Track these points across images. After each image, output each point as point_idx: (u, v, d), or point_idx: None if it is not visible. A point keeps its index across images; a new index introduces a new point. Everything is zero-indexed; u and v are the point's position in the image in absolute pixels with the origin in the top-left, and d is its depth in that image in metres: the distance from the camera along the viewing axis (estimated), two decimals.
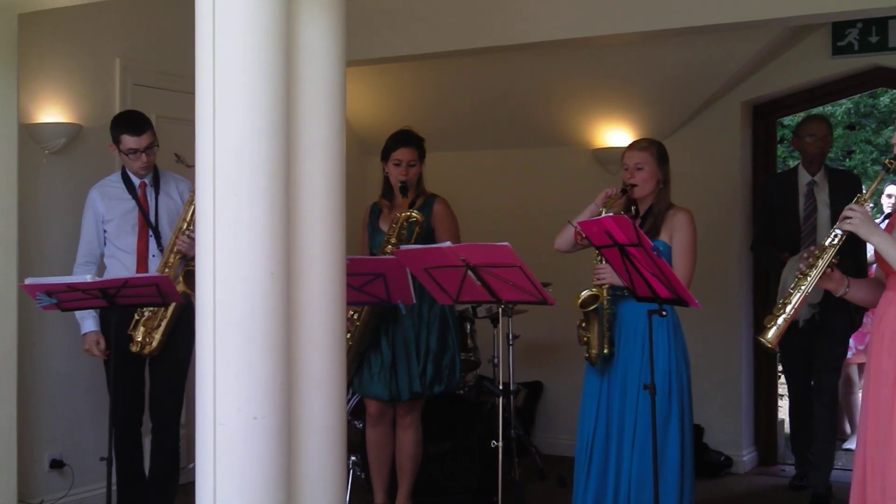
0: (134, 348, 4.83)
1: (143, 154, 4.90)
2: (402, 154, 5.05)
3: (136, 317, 4.83)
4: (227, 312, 2.97)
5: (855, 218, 3.37)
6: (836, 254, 3.46)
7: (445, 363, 5.09)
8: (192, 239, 4.58)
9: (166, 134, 5.05)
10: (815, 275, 3.45)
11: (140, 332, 4.83)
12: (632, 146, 4.65)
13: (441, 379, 5.08)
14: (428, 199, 5.09)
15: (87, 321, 4.95)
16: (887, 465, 3.30)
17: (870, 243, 3.41)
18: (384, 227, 5.07)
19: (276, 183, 3.01)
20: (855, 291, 3.59)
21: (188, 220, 4.73)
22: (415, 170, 5.07)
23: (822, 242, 3.49)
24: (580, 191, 6.91)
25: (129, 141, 4.89)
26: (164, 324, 4.82)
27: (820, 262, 3.45)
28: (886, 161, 3.46)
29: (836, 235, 3.44)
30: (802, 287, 3.45)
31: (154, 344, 4.84)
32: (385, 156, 5.10)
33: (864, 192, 3.50)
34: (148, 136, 4.91)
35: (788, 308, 3.44)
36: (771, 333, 3.45)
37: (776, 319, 3.45)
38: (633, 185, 4.50)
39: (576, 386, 6.25)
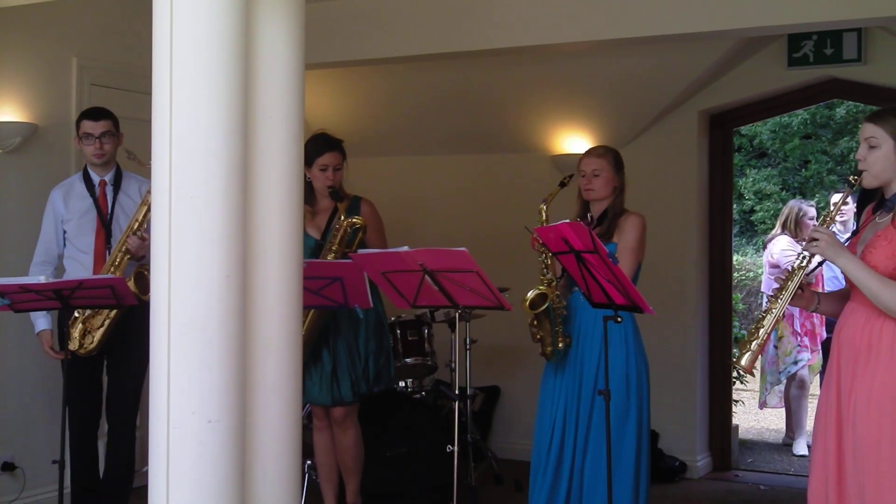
0: (72, 346, 4.76)
1: (98, 140, 4.88)
2: (327, 159, 5.00)
3: (77, 314, 4.76)
4: (182, 315, 2.95)
5: (821, 240, 3.37)
6: (804, 275, 3.46)
7: (382, 361, 5.12)
8: (143, 239, 4.56)
9: (124, 134, 5.01)
10: (785, 297, 3.44)
11: (78, 330, 4.77)
12: (589, 152, 4.73)
13: (380, 378, 5.11)
14: (353, 201, 5.08)
15: (40, 319, 4.92)
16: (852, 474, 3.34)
17: (836, 266, 3.42)
18: (312, 232, 5.04)
19: (232, 185, 2.99)
20: (825, 305, 3.63)
21: (140, 220, 4.70)
22: (340, 173, 5.04)
23: (791, 265, 3.50)
24: (539, 197, 6.93)
25: (85, 125, 4.90)
26: (106, 324, 4.76)
27: (791, 283, 3.44)
28: (850, 178, 3.47)
29: (804, 257, 3.44)
30: (774, 311, 3.45)
31: (93, 344, 4.78)
32: (308, 161, 4.95)
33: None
34: (105, 125, 4.89)
35: (762, 332, 3.44)
36: (745, 360, 3.45)
37: (749, 345, 3.45)
38: (570, 176, 4.58)
39: (533, 391, 6.26)
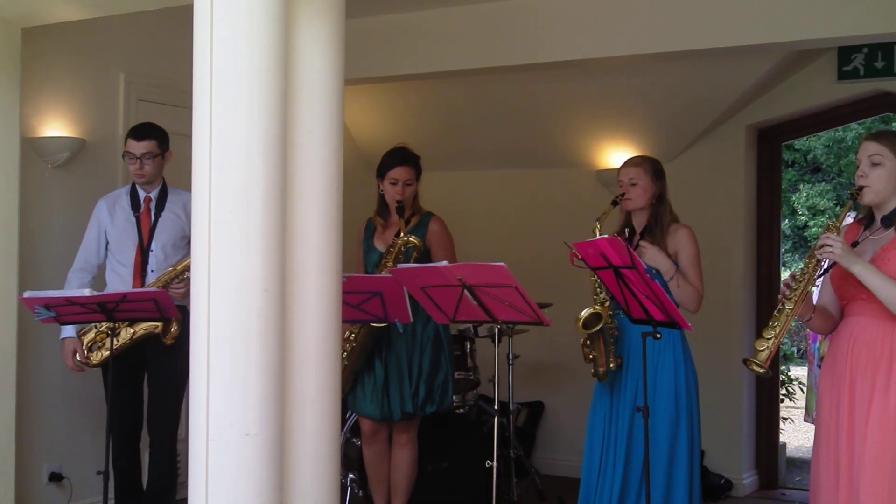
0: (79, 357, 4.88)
1: (139, 160, 4.91)
2: (398, 173, 4.99)
3: (94, 326, 4.83)
4: (222, 328, 2.97)
5: (835, 248, 3.42)
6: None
7: (438, 383, 5.05)
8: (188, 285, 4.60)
9: (172, 152, 5.05)
10: (799, 298, 3.49)
11: (88, 338, 4.86)
12: (626, 163, 4.71)
13: (433, 399, 5.04)
14: (424, 217, 5.05)
15: (67, 327, 4.87)
16: (861, 494, 3.37)
17: (851, 272, 3.44)
18: (379, 245, 5.03)
19: (271, 200, 3.01)
20: (816, 320, 3.66)
21: (180, 270, 4.77)
22: (411, 188, 5.01)
23: (805, 266, 3.54)
24: (583, 212, 6.93)
25: (129, 144, 4.94)
26: (115, 347, 4.71)
27: (802, 284, 3.49)
28: (852, 191, 3.56)
29: (818, 262, 3.49)
30: (787, 308, 3.49)
31: (92, 361, 4.87)
32: (381, 173, 5.03)
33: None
34: (147, 145, 4.91)
35: (778, 330, 3.47)
36: (763, 356, 3.47)
37: (768, 343, 3.47)
38: (622, 195, 4.55)
39: (578, 406, 6.24)
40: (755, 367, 3.47)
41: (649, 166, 4.61)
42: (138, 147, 4.91)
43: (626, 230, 4.60)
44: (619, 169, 4.70)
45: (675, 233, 4.53)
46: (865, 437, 3.38)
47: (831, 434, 3.52)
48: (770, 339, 3.46)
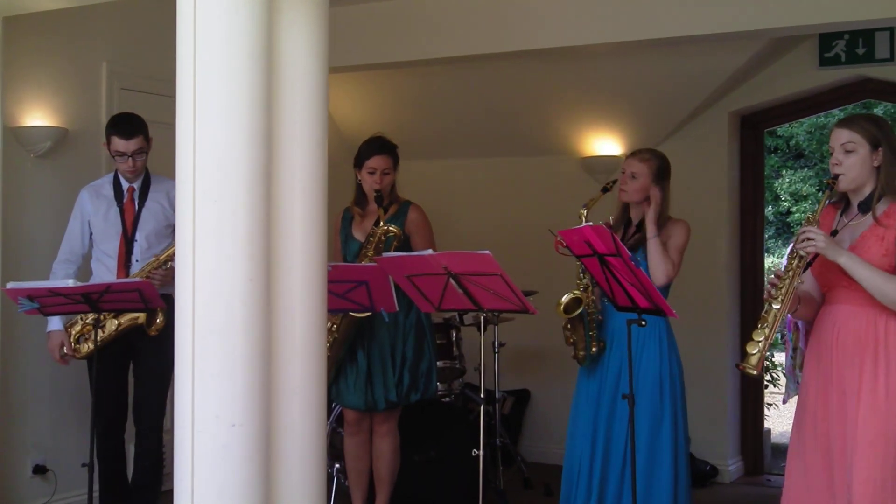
0: (67, 349, 4.86)
1: (130, 158, 4.86)
2: (376, 162, 4.97)
3: (80, 318, 4.82)
4: (207, 319, 2.96)
5: (818, 240, 3.42)
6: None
7: (422, 371, 5.05)
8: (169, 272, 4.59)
9: (153, 138, 5.02)
10: (786, 298, 3.47)
11: (75, 330, 4.84)
12: (634, 154, 4.66)
13: (417, 387, 5.04)
14: (402, 205, 5.04)
15: (54, 319, 4.85)
16: (854, 478, 3.37)
17: (836, 262, 3.45)
18: (358, 235, 5.02)
19: (256, 189, 2.99)
20: (802, 309, 3.66)
21: (164, 259, 4.76)
22: (389, 177, 5.00)
23: (788, 263, 3.53)
24: (568, 199, 6.92)
25: (117, 143, 4.86)
26: (100, 339, 4.70)
27: (787, 282, 3.47)
28: (828, 180, 3.58)
29: (801, 257, 3.48)
30: (775, 308, 3.46)
31: (80, 353, 4.85)
32: (359, 163, 5.02)
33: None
34: (137, 142, 4.86)
35: (767, 331, 3.45)
36: (755, 360, 3.44)
37: (759, 346, 3.45)
38: (614, 182, 4.53)
39: (564, 394, 6.24)
40: (748, 371, 3.45)
41: (655, 166, 4.56)
42: (129, 146, 4.84)
43: (610, 218, 4.59)
44: (625, 157, 4.70)
45: (674, 225, 4.54)
46: (857, 422, 3.39)
47: (819, 422, 3.53)
48: (760, 341, 3.43)
